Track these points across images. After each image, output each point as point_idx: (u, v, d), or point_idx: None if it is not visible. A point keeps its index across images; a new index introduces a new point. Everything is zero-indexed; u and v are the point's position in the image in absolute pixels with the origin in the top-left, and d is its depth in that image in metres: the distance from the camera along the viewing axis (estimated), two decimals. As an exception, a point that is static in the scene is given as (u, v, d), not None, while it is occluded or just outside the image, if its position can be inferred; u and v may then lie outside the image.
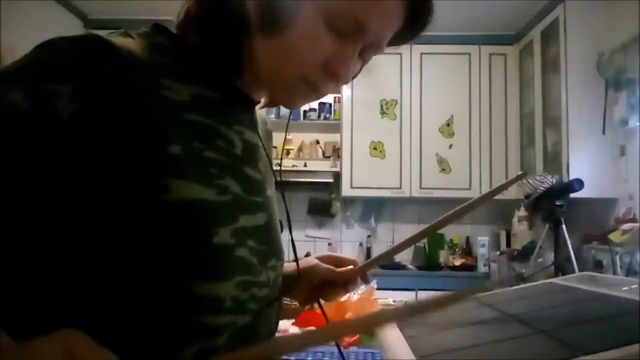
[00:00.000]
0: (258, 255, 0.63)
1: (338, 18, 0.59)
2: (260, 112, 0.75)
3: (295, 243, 0.77)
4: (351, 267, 0.88)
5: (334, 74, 0.62)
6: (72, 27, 3.91)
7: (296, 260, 0.80)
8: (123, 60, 0.53)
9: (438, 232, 4.37)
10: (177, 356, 0.54)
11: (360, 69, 0.68)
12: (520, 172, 0.85)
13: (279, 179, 0.76)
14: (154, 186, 0.52)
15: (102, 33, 0.55)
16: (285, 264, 0.76)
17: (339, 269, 0.87)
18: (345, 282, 0.87)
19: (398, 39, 0.66)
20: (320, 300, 0.87)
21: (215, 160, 0.59)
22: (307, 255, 0.80)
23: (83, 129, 0.50)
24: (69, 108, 0.49)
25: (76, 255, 0.52)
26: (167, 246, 0.53)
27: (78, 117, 0.50)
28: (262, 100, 0.71)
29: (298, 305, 0.90)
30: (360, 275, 0.88)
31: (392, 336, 0.66)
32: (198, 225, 0.54)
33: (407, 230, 4.60)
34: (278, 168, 0.78)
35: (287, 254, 0.73)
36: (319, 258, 0.89)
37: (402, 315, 0.49)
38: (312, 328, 1.83)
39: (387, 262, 3.89)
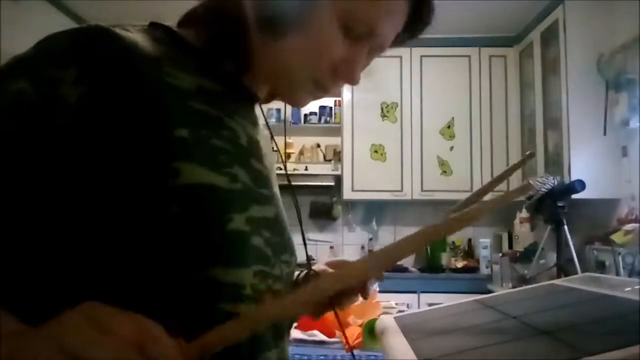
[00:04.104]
0: (272, 247, 0.62)
1: (354, 22, 0.60)
2: (260, 116, 0.74)
3: (297, 247, 0.76)
4: None
5: (343, 77, 0.63)
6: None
7: (308, 261, 0.77)
8: (125, 45, 0.53)
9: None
10: None
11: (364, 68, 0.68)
12: (528, 152, 0.83)
13: (286, 182, 0.75)
14: (164, 170, 0.51)
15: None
16: None
17: None
18: (355, 289, 0.84)
19: (398, 41, 0.67)
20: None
21: (223, 148, 0.58)
22: (310, 259, 0.77)
23: (90, 113, 0.50)
24: (74, 92, 0.49)
25: (89, 243, 0.51)
26: (182, 231, 0.52)
27: (84, 101, 0.49)
28: (262, 96, 0.70)
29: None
30: (372, 278, 0.84)
31: (395, 339, 0.66)
32: (212, 210, 0.54)
33: (408, 233, 4.57)
34: (282, 171, 0.77)
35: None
36: (328, 264, 0.86)
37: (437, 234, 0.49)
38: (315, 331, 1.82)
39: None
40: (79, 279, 0.52)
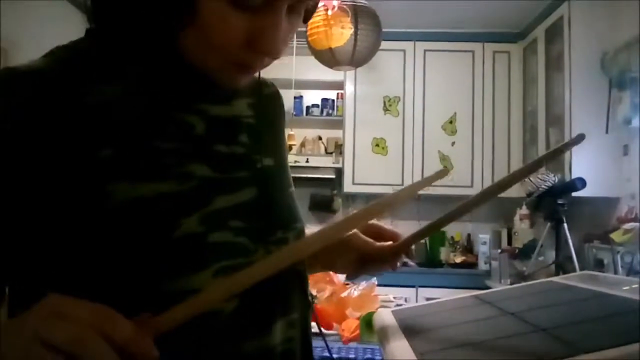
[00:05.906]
0: (250, 234, 0.60)
1: None
2: (259, 78, 0.69)
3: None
4: (390, 242, 0.81)
5: (259, 50, 0.56)
6: (74, 20, 3.90)
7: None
8: (30, 84, 0.52)
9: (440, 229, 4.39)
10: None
11: (294, 31, 0.60)
12: (578, 134, 0.67)
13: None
14: (95, 195, 0.52)
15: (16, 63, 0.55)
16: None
17: (378, 244, 0.81)
18: (386, 258, 0.81)
19: None
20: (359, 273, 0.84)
21: (169, 149, 0.56)
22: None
23: (4, 162, 0.50)
24: None
25: (42, 274, 0.52)
26: (130, 250, 0.52)
27: None
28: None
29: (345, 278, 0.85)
30: (404, 251, 0.81)
31: (392, 332, 0.66)
32: (155, 222, 0.53)
33: (406, 227, 4.57)
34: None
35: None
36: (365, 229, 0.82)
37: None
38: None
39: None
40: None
